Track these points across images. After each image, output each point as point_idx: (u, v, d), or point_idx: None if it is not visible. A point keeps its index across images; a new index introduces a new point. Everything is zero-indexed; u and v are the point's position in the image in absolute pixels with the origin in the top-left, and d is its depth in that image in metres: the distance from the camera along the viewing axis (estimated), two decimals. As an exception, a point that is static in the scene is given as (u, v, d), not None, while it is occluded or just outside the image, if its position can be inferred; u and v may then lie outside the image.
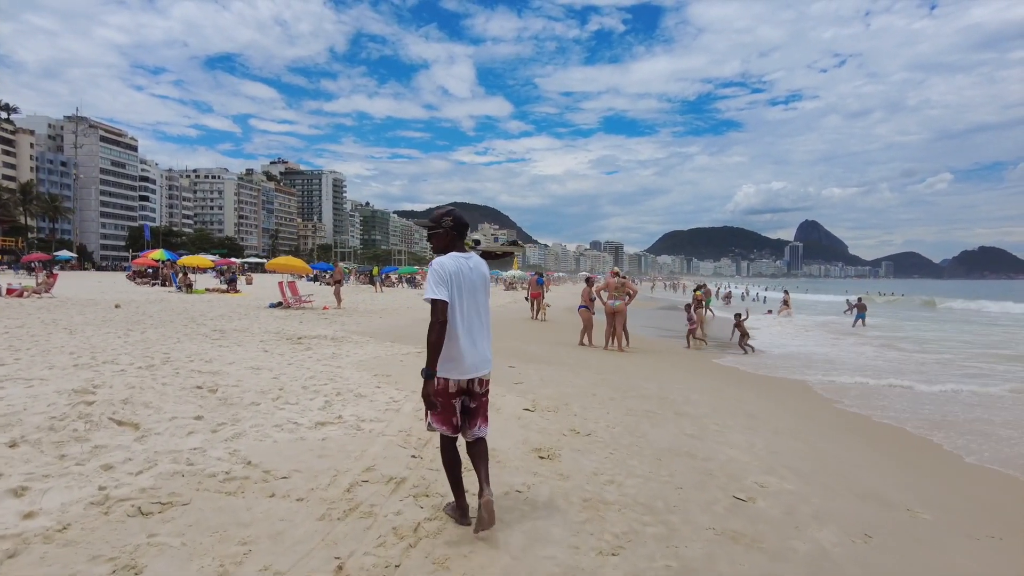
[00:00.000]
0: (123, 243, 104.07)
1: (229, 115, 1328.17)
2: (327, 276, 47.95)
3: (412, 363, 8.58)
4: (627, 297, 13.07)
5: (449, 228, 3.15)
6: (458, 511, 3.21)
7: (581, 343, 13.32)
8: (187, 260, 29.31)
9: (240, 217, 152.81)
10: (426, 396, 2.93)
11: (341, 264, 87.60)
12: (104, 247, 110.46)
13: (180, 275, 26.84)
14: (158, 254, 30.57)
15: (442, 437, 3.18)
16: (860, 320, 23.06)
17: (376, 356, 9.14)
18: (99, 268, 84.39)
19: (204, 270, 37.63)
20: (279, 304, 19.15)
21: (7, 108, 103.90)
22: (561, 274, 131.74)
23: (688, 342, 14.45)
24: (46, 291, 19.98)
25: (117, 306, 17.19)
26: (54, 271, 25.66)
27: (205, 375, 6.30)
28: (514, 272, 53.83)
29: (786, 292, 35.76)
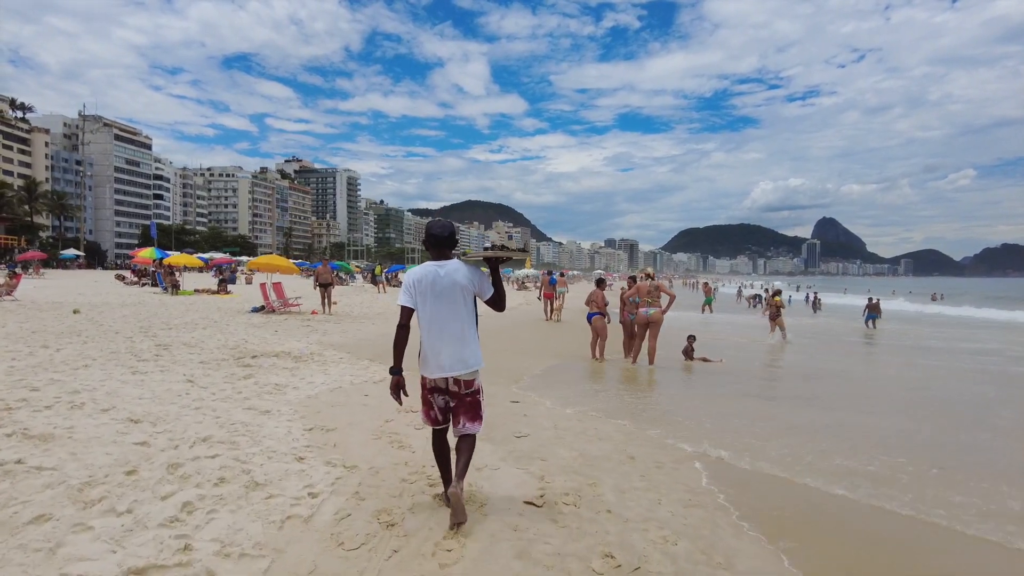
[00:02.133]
0: (136, 242, 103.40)
1: (245, 114, 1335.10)
2: (334, 275, 46.04)
3: (380, 399, 6.36)
4: (666, 302, 10.72)
5: (424, 240, 3.47)
6: (445, 497, 3.40)
7: (594, 356, 11.04)
8: (174, 259, 27.33)
9: (254, 215, 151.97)
10: (392, 390, 3.32)
11: (354, 262, 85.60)
12: (119, 245, 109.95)
13: (165, 275, 24.88)
14: (148, 252, 28.69)
15: (433, 430, 3.49)
16: (871, 321, 22.24)
17: (337, 387, 6.94)
18: (114, 266, 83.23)
19: (194, 269, 35.73)
20: (262, 308, 17.09)
21: (22, 107, 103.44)
22: (576, 272, 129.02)
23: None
24: (7, 294, 18.08)
25: (76, 311, 15.23)
26: (16, 271, 23.81)
27: (29, 443, 4.08)
28: (527, 271, 51.39)
29: (766, 291, 33.80)
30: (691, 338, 11.71)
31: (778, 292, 16.56)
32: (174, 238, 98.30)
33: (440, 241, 3.40)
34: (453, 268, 3.34)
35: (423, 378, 3.38)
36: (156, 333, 11.37)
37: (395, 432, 5.04)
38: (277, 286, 18.03)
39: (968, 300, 51.19)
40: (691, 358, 11.36)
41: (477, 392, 3.42)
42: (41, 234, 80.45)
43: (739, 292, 48.69)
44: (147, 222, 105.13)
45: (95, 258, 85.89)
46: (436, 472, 3.97)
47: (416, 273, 3.37)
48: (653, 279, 10.97)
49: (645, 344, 10.68)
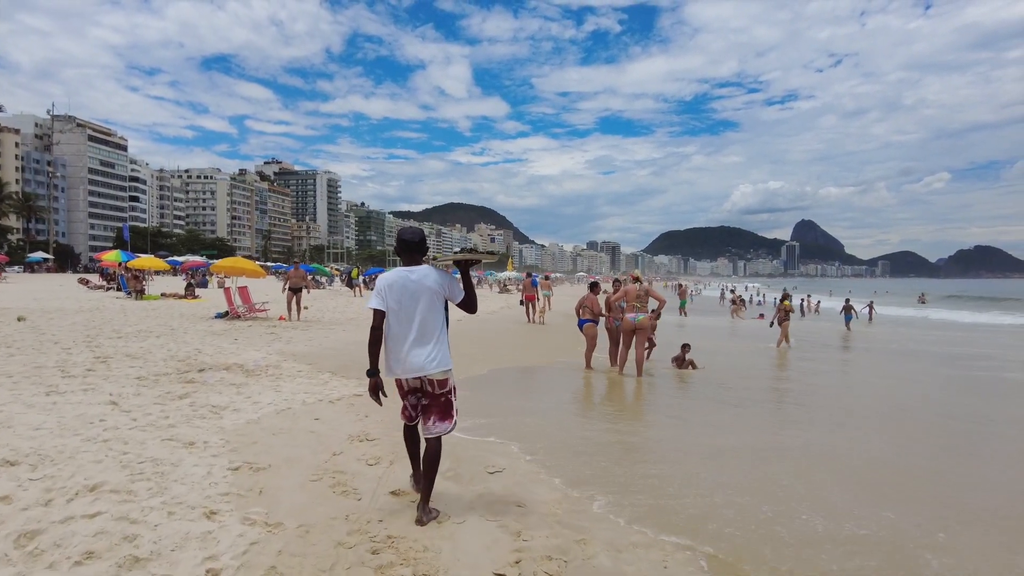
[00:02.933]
0: (111, 244, 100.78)
1: (225, 116, 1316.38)
2: (308, 279, 44.68)
3: (332, 424, 5.48)
4: (654, 309, 9.98)
5: (395, 245, 3.56)
6: (413, 479, 3.72)
7: (589, 367, 10.26)
8: (138, 262, 26.07)
9: (233, 218, 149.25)
10: (371, 392, 3.41)
11: (333, 265, 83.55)
12: (93, 248, 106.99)
13: (130, 279, 23.64)
14: (114, 255, 27.41)
15: (404, 425, 3.66)
16: (849, 321, 22.78)
17: (286, 408, 6.04)
18: (87, 270, 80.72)
19: (163, 273, 34.38)
20: (226, 314, 16.04)
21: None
22: (558, 274, 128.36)
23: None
24: (-50, 299, 16.84)
25: (20, 319, 14.10)
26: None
27: None
28: (508, 273, 50.49)
29: (733, 291, 33.84)
30: (685, 347, 10.97)
31: (787, 296, 15.57)
32: (150, 241, 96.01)
33: (411, 247, 3.48)
34: (424, 273, 3.42)
35: (398, 382, 3.48)
36: (101, 343, 10.36)
37: (341, 471, 4.18)
38: (243, 290, 17.01)
39: (952, 303, 51.25)
40: (682, 366, 10.65)
41: (449, 392, 3.49)
42: (10, 236, 77.91)
43: (722, 295, 48.30)
44: (122, 225, 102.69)
45: (67, 261, 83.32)
46: (382, 531, 3.24)
47: (388, 278, 3.45)
48: (641, 282, 10.18)
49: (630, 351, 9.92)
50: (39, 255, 64.79)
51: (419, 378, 3.40)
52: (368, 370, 3.39)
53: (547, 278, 23.58)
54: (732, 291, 35.56)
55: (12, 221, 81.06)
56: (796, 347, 15.02)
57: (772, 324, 15.78)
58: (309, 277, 45.31)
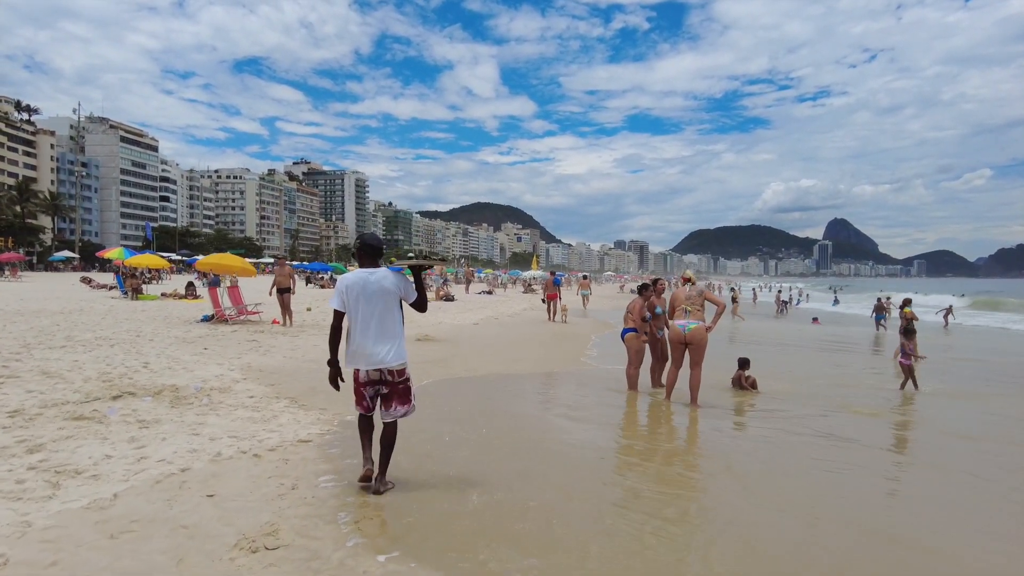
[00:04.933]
0: (141, 244, 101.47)
1: (256, 118, 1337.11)
2: (323, 278, 43.20)
3: (230, 507, 3.40)
4: (712, 315, 7.76)
5: (357, 249, 3.87)
6: (364, 461, 3.81)
7: (632, 388, 8.09)
8: (137, 260, 24.62)
9: (262, 217, 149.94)
10: (330, 380, 3.76)
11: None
12: (125, 248, 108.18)
13: (127, 277, 22.14)
14: (116, 253, 26.05)
15: (359, 415, 3.91)
16: (881, 321, 21.55)
17: (180, 470, 3.98)
18: (101, 268, 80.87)
19: (179, 271, 33.01)
20: (212, 317, 14.23)
21: (28, 109, 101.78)
22: (585, 275, 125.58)
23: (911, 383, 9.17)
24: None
25: (-22, 322, 12.50)
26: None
27: None
28: (533, 272, 48.42)
29: (733, 289, 31.36)
30: (743, 363, 8.70)
31: (908, 302, 12.44)
32: (179, 240, 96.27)
33: (375, 251, 3.85)
34: (382, 275, 3.76)
35: (355, 372, 3.77)
36: (29, 355, 8.53)
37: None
38: (233, 291, 15.19)
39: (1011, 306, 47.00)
40: (742, 386, 8.42)
41: (408, 380, 3.85)
42: (42, 236, 78.48)
43: (777, 297, 44.93)
44: (153, 224, 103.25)
45: (93, 260, 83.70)
46: None
47: (348, 279, 3.77)
48: (693, 283, 7.90)
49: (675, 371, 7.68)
50: (64, 254, 64.74)
51: (379, 369, 3.69)
52: (328, 360, 3.73)
53: (585, 278, 22.77)
54: (732, 288, 33.02)
55: (48, 221, 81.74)
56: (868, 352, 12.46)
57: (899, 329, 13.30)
58: (327, 276, 43.91)
